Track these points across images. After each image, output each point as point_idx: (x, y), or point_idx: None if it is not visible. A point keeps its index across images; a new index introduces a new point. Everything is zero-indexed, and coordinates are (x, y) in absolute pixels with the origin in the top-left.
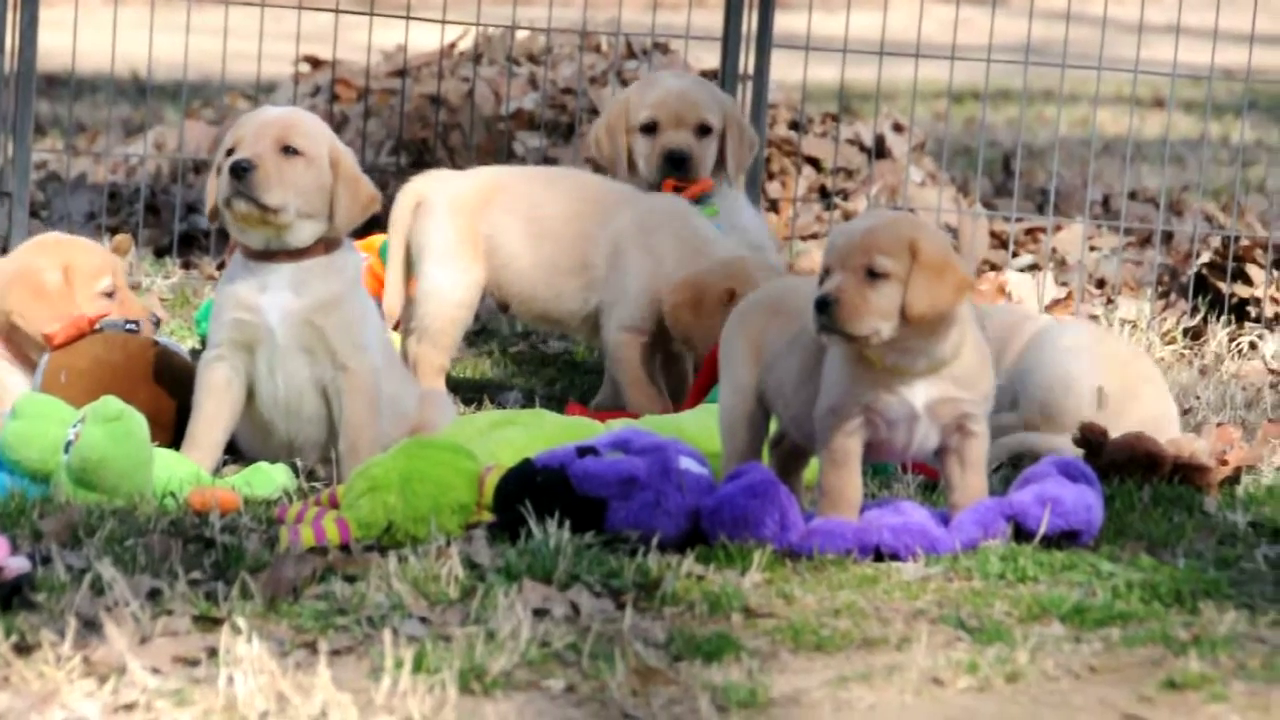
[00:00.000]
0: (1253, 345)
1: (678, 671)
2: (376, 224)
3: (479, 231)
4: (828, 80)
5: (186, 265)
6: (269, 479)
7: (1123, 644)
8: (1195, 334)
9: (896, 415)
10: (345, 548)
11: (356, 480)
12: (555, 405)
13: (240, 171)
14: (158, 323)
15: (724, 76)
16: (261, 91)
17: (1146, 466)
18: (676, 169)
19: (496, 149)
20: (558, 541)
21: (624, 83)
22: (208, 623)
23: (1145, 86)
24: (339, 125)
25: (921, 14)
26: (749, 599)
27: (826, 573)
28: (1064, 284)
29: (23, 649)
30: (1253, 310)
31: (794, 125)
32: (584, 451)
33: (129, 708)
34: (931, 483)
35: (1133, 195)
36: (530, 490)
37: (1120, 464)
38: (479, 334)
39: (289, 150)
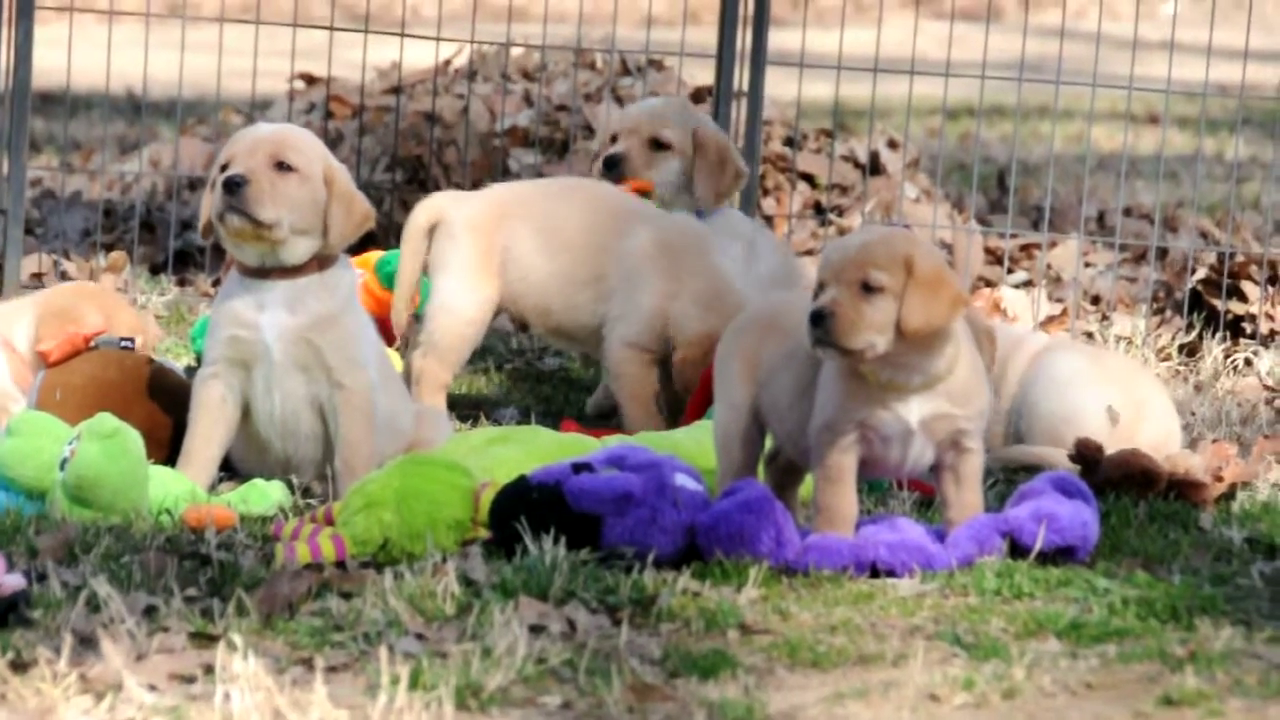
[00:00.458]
0: (1248, 361)
1: (674, 688)
2: (372, 241)
3: (495, 247)
4: (822, 97)
5: (182, 282)
6: (264, 496)
7: (1119, 660)
8: (1190, 350)
9: (891, 432)
10: (341, 564)
11: (352, 497)
12: (551, 422)
13: (233, 186)
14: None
15: (718, 93)
16: (256, 108)
17: (1142, 483)
18: (608, 170)
19: (491, 166)
20: (553, 558)
21: (618, 99)
22: (204, 640)
23: (1140, 103)
24: (334, 142)
25: (916, 30)
26: (745, 615)
27: (822, 589)
28: (1059, 300)
29: (19, 666)
30: (1248, 326)
31: (788, 142)
32: (579, 468)
33: None
34: (927, 499)
35: (1127, 211)
36: (526, 507)
37: (1116, 480)
38: (475, 351)
39: (283, 166)
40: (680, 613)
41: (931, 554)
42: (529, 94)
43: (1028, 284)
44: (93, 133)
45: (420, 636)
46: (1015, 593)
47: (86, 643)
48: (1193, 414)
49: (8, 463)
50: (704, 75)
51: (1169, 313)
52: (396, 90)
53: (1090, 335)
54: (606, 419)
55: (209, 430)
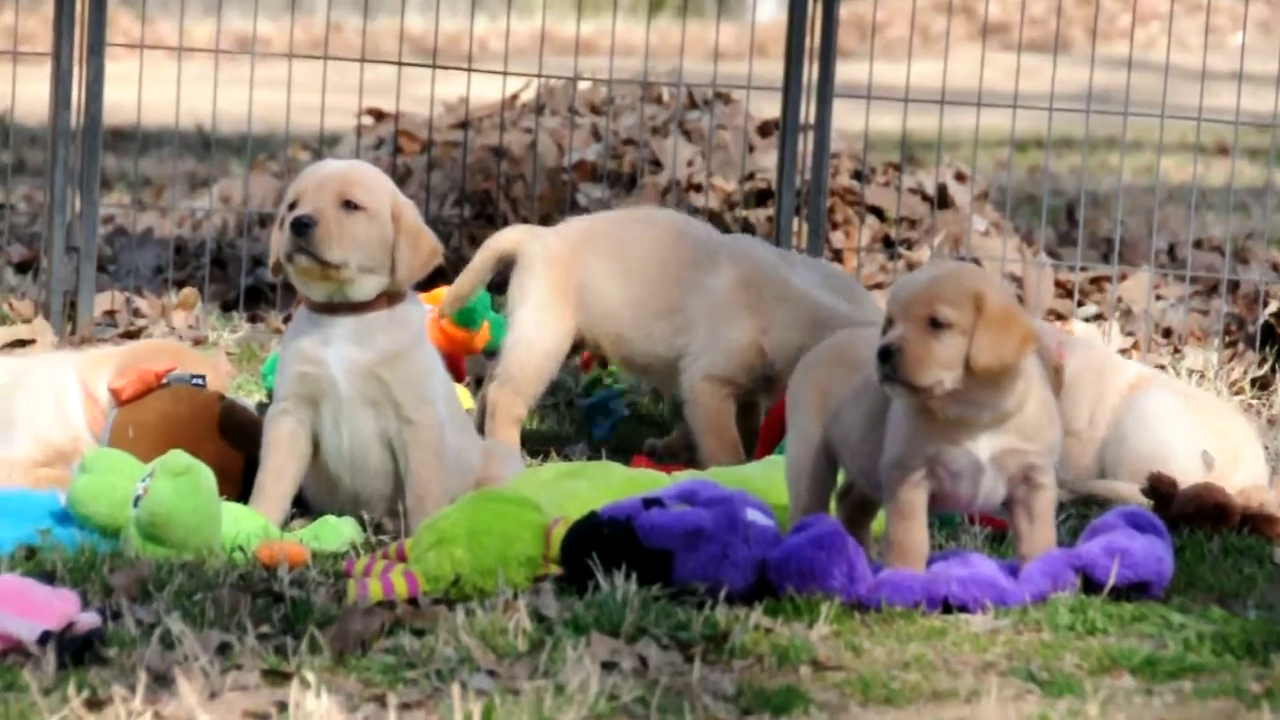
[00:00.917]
0: None
1: None
2: (441, 277)
3: (571, 280)
4: (890, 129)
5: (253, 319)
6: (336, 532)
7: (1194, 696)
8: (1263, 384)
9: (961, 467)
10: (413, 601)
11: (424, 533)
12: (622, 457)
13: (301, 228)
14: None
15: (785, 126)
16: (325, 144)
17: (1215, 517)
18: None
19: (559, 200)
20: (625, 594)
21: (686, 133)
22: (277, 677)
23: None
24: (402, 177)
25: (983, 62)
26: (817, 651)
27: (895, 625)
28: (1130, 333)
29: (94, 704)
30: None
31: (857, 175)
32: (650, 503)
33: None
34: (999, 534)
35: (1198, 243)
36: (597, 542)
37: (1189, 515)
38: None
39: (350, 205)
40: (752, 649)
41: (1004, 589)
42: (596, 128)
43: (1098, 317)
44: (163, 169)
45: (492, 673)
46: (1089, 628)
47: (161, 680)
48: (1266, 448)
49: (82, 500)
50: (771, 108)
51: (1241, 346)
52: (464, 125)
53: (1162, 368)
54: (675, 457)
55: (281, 466)
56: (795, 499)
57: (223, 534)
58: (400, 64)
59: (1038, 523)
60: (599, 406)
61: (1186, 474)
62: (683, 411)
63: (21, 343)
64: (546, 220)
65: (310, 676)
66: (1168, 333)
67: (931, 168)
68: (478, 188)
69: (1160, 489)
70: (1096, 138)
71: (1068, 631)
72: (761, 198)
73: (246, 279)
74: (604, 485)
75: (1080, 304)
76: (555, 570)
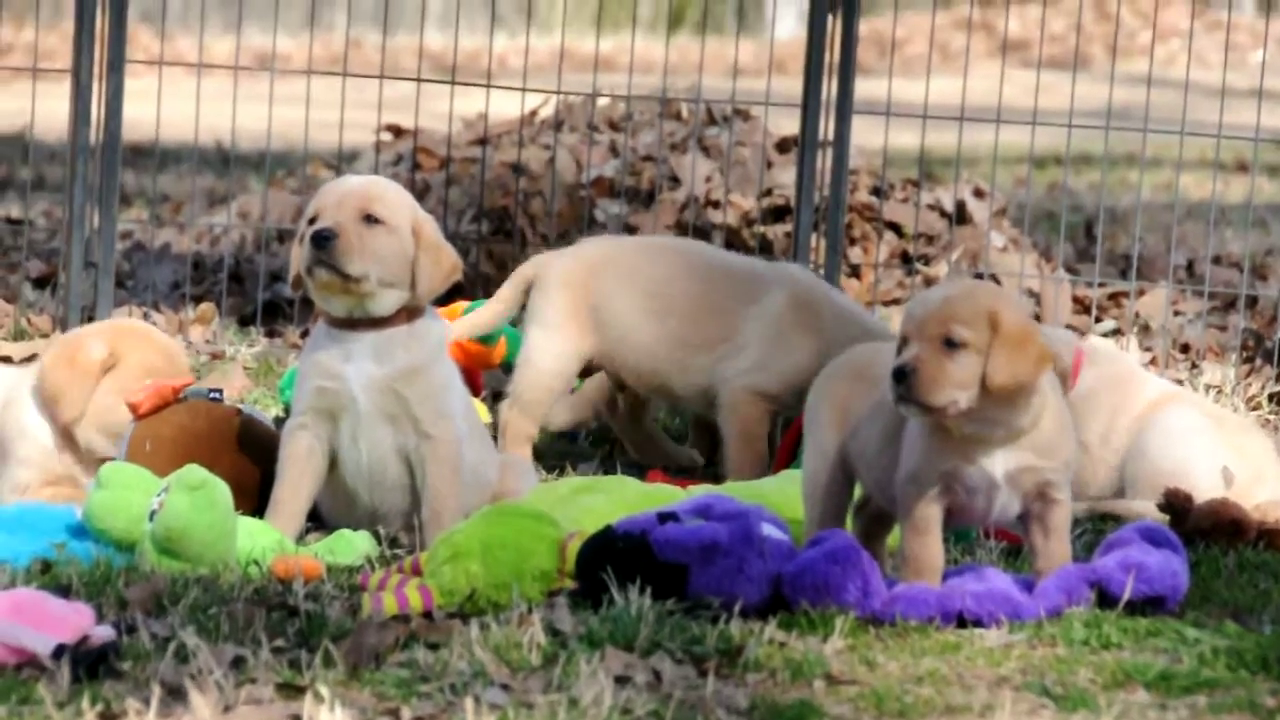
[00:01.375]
0: None
1: None
2: (459, 292)
3: (585, 303)
4: (908, 145)
5: (270, 334)
6: (351, 546)
7: (1209, 711)
8: None
9: (976, 484)
10: (428, 615)
11: (439, 547)
12: (637, 472)
13: (322, 241)
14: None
15: (804, 142)
16: (344, 160)
17: (1231, 532)
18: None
19: (577, 216)
20: (639, 608)
21: (705, 149)
22: (291, 690)
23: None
24: (421, 193)
25: (1002, 79)
26: (831, 666)
27: (909, 639)
28: (1148, 349)
29: (108, 718)
30: None
31: (875, 191)
32: (665, 518)
33: None
34: (1015, 548)
35: (1216, 260)
36: (612, 557)
37: (1205, 529)
38: None
39: (370, 219)
40: (766, 663)
41: (1019, 604)
42: (615, 144)
43: (1116, 332)
44: (182, 185)
45: (506, 687)
46: (1104, 643)
47: (175, 694)
48: None
49: (97, 514)
50: (790, 125)
51: (1259, 361)
52: (483, 141)
53: (1180, 384)
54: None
55: (297, 481)
56: (811, 513)
57: (238, 548)
58: (419, 80)
59: (1053, 538)
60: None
61: (1207, 491)
62: (717, 417)
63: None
64: (565, 236)
65: (324, 690)
66: (1185, 348)
67: (950, 184)
68: (496, 204)
69: (1176, 504)
70: (1116, 154)
71: (1082, 646)
72: (780, 214)
73: (264, 294)
74: (619, 499)
75: (1098, 319)
76: (570, 584)
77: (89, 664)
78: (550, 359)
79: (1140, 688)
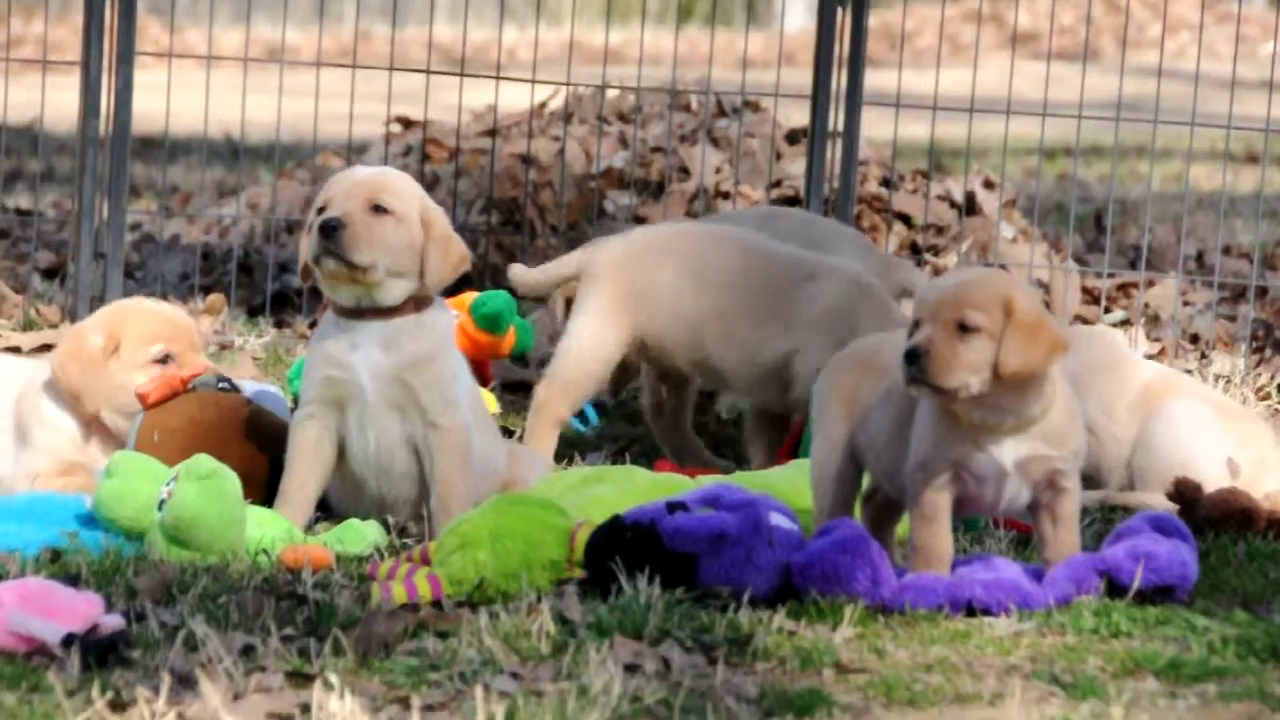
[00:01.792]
0: None
1: None
2: (468, 282)
3: (633, 286)
4: (918, 137)
5: (279, 324)
6: (360, 536)
7: (1218, 700)
8: None
9: (985, 472)
10: (437, 604)
11: (448, 537)
12: (646, 462)
13: (329, 230)
14: (229, 385)
15: (814, 134)
16: (353, 152)
17: (1241, 521)
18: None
19: (587, 208)
20: (648, 597)
21: (714, 141)
22: (300, 679)
23: (1238, 142)
24: (430, 185)
25: (1012, 70)
26: (840, 654)
27: (918, 628)
28: (1157, 340)
29: (118, 705)
30: None
31: (885, 182)
32: (674, 507)
33: None
34: (1024, 538)
35: (1226, 250)
36: (621, 546)
37: (1214, 519)
38: None
39: (379, 209)
40: (775, 652)
41: (1028, 593)
42: (624, 136)
43: (1125, 323)
44: (191, 177)
45: (516, 675)
46: (1113, 632)
47: (185, 682)
48: None
49: (106, 504)
50: (799, 116)
51: (1268, 352)
52: (492, 133)
53: (1189, 374)
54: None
55: (306, 470)
56: (820, 502)
57: (247, 537)
58: (429, 72)
59: (1062, 527)
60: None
61: (1214, 482)
62: (793, 399)
63: (48, 347)
64: (574, 227)
65: (333, 678)
66: (1195, 339)
67: (960, 175)
68: (505, 195)
69: (1185, 494)
70: (1126, 145)
71: (1091, 635)
72: (789, 205)
73: (273, 285)
74: (628, 489)
75: (1108, 310)
76: (579, 574)
77: (98, 652)
78: (593, 343)
79: (1150, 676)
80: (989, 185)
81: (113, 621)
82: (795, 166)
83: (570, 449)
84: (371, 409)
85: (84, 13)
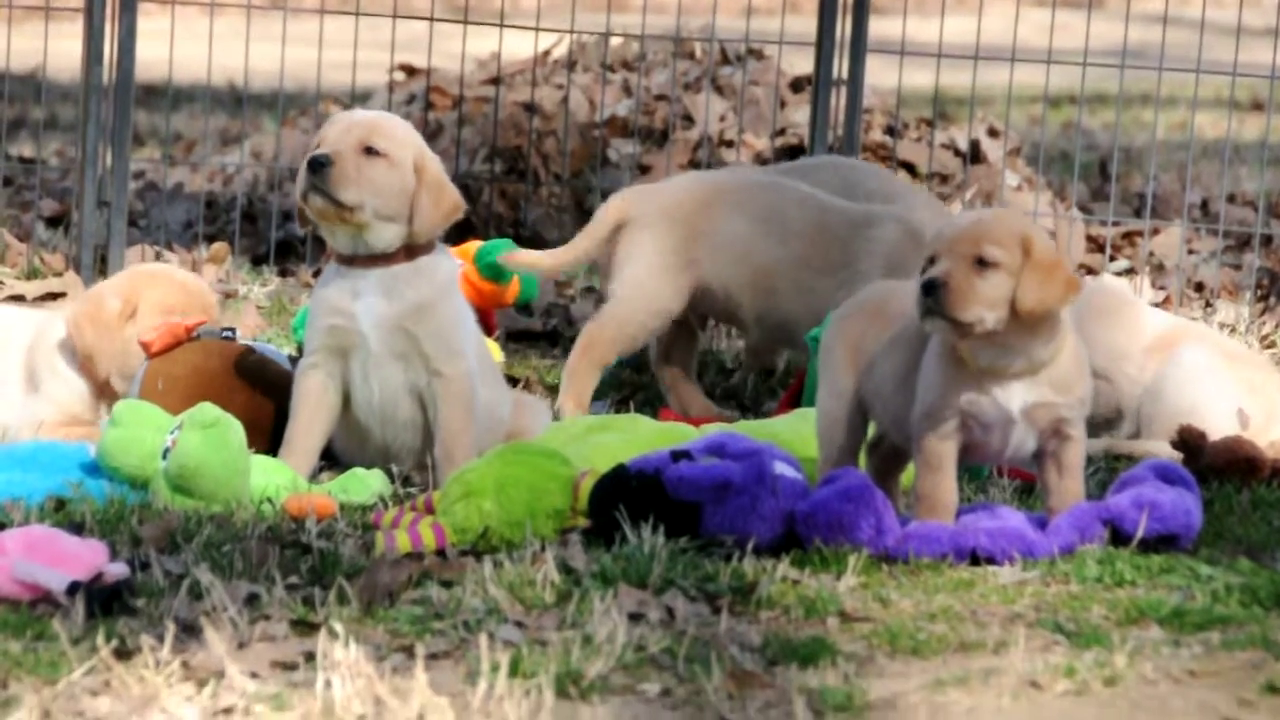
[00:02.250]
0: None
1: (773, 675)
2: (471, 231)
3: (694, 234)
4: (922, 85)
5: (283, 273)
6: (365, 485)
7: (1222, 648)
8: None
9: (992, 419)
10: (441, 553)
11: (452, 486)
12: (650, 411)
13: (317, 166)
14: (232, 334)
15: (818, 82)
16: (357, 100)
17: (1245, 470)
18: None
19: (591, 156)
20: (653, 546)
21: (718, 89)
22: (305, 627)
23: (1243, 89)
24: (434, 133)
25: (1017, 18)
26: (844, 603)
27: (922, 577)
28: (1161, 288)
29: (123, 654)
30: None
31: (889, 130)
32: (678, 456)
33: (227, 712)
34: (1028, 487)
35: (1231, 198)
36: (625, 495)
37: (1219, 468)
38: (574, 340)
39: (371, 151)
40: (780, 600)
41: (1032, 541)
42: (628, 84)
43: (1130, 271)
44: (195, 125)
45: (520, 624)
46: (1117, 580)
47: (189, 630)
48: None
49: (111, 452)
50: (804, 64)
51: (1273, 300)
52: (496, 81)
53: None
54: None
55: (310, 419)
56: (825, 451)
57: (251, 486)
58: (432, 20)
59: (1067, 475)
60: None
61: (1222, 432)
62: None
63: (52, 296)
64: (578, 175)
65: (338, 627)
66: (1200, 287)
67: (964, 123)
68: (509, 144)
69: (1190, 442)
70: (1130, 93)
71: (1095, 583)
72: (793, 153)
73: (277, 233)
74: (632, 438)
75: (1112, 258)
76: (583, 522)
77: (103, 601)
78: (653, 297)
79: (1153, 624)
80: (993, 133)
81: (117, 570)
82: (799, 115)
83: None
84: (374, 357)
85: None
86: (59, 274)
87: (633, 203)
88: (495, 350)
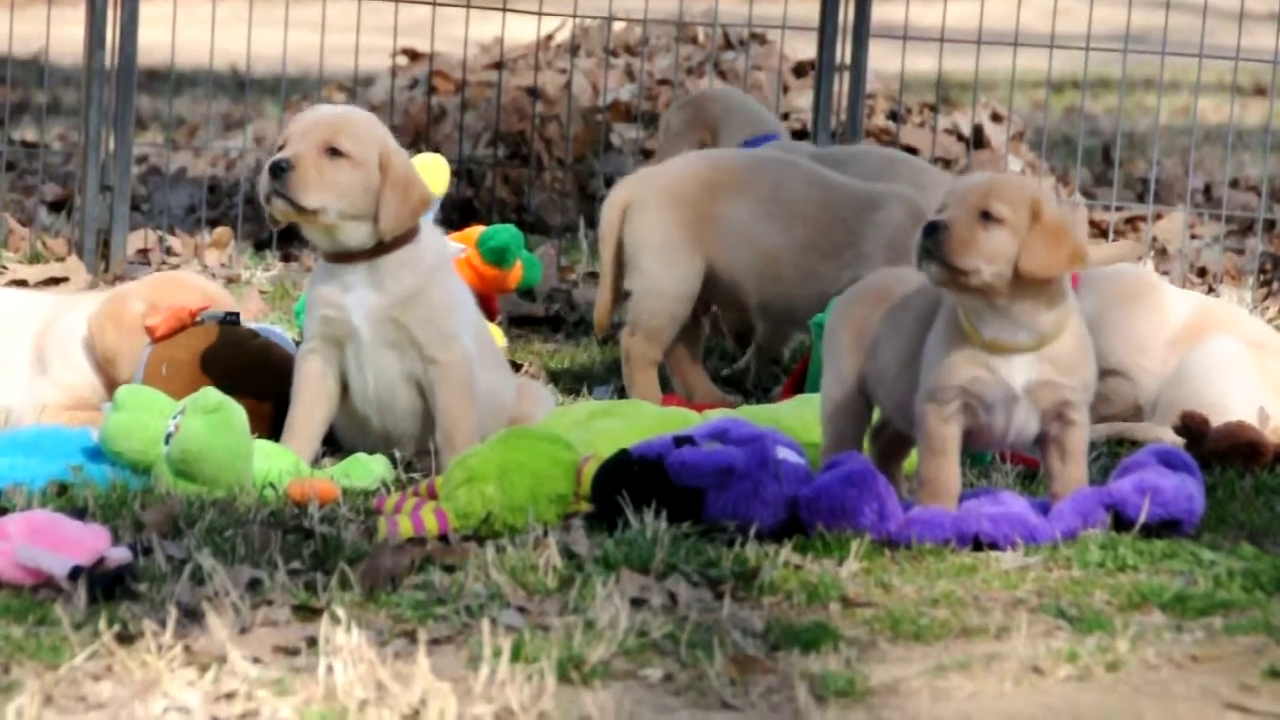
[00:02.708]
0: None
1: (776, 661)
2: (475, 215)
3: (702, 216)
4: (925, 70)
5: (286, 258)
6: (367, 470)
7: (1224, 633)
8: None
9: (995, 398)
10: (443, 538)
11: (454, 471)
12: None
13: (278, 171)
14: (236, 319)
15: (821, 67)
16: (360, 85)
17: (1248, 455)
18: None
19: (594, 141)
20: (655, 531)
21: (721, 74)
22: (307, 612)
23: (1246, 74)
24: (436, 118)
25: (1020, 2)
26: (847, 588)
27: (925, 562)
28: (1165, 273)
29: (125, 638)
30: None
31: (892, 115)
32: (681, 441)
33: (230, 697)
34: (1031, 473)
35: (1234, 183)
36: (627, 480)
37: (1221, 453)
38: (577, 325)
39: (334, 152)
40: (782, 585)
41: (1034, 527)
42: (631, 68)
43: None
44: (197, 110)
45: (522, 609)
46: (1119, 565)
47: (191, 615)
48: None
49: (114, 437)
50: (806, 49)
51: (1276, 285)
52: (499, 65)
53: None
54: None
55: (310, 404)
56: (829, 436)
57: (254, 471)
58: (435, 4)
59: (1069, 461)
60: None
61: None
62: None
63: (55, 280)
64: (581, 160)
65: (340, 612)
66: (1203, 272)
67: (967, 108)
68: (512, 128)
69: (1193, 427)
70: (1133, 78)
71: (1098, 568)
72: (796, 138)
73: None
74: (635, 423)
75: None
76: (586, 508)
77: (105, 585)
78: (673, 284)
79: (1156, 609)
80: (996, 118)
81: (119, 554)
82: (802, 100)
83: (578, 383)
84: (367, 348)
85: None
86: (61, 259)
87: (633, 189)
88: (498, 335)
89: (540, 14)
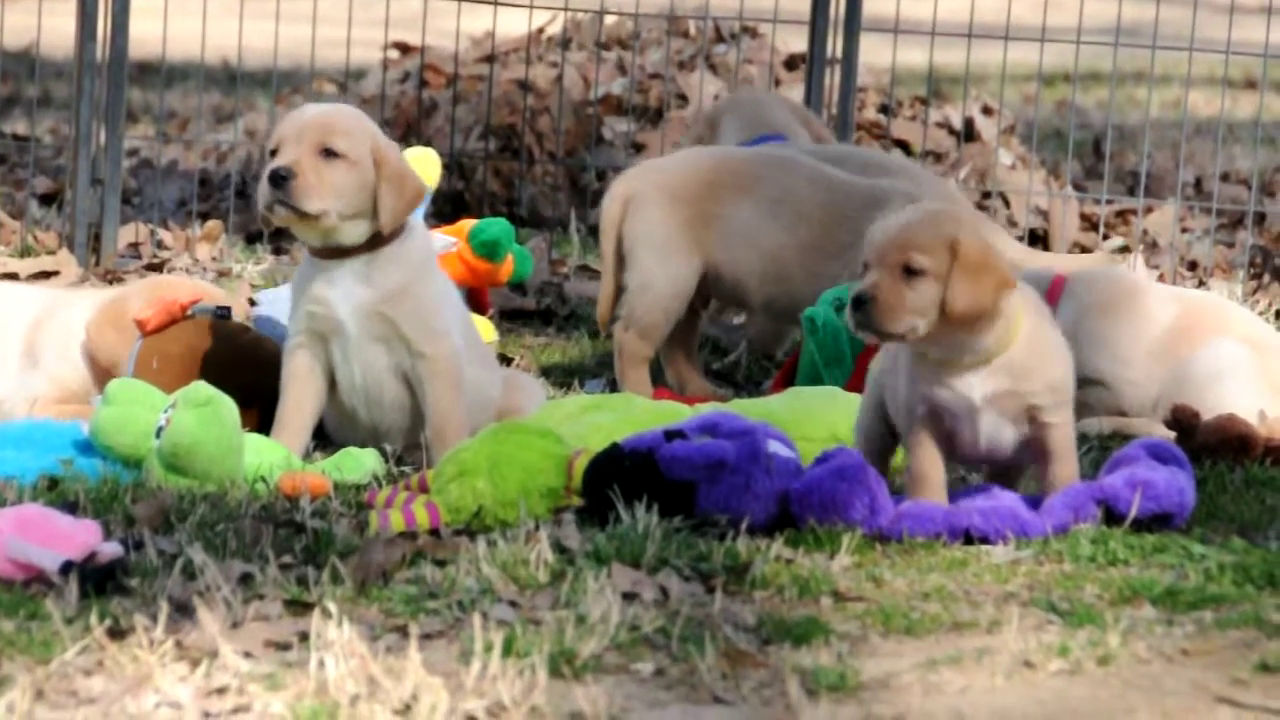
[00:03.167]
0: None
1: (767, 655)
2: (466, 209)
3: (703, 215)
4: (917, 63)
5: (277, 251)
6: (358, 464)
7: (1215, 627)
8: None
9: (957, 409)
10: (435, 532)
11: (445, 465)
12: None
13: (279, 180)
14: (227, 314)
15: (812, 60)
16: (351, 78)
17: (1238, 449)
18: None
19: (585, 134)
20: (646, 525)
21: (712, 68)
22: (299, 607)
23: (1237, 67)
24: (428, 111)
25: None
26: (838, 582)
27: (916, 556)
28: (1155, 266)
29: (116, 633)
30: None
31: (883, 109)
32: (672, 435)
33: (221, 691)
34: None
35: (1225, 177)
36: (619, 474)
37: (1212, 446)
38: (568, 319)
39: (329, 153)
40: (773, 580)
41: (1026, 521)
42: (623, 62)
43: (1124, 250)
44: (188, 102)
45: (514, 604)
46: (1110, 559)
47: (182, 610)
48: None
49: (105, 431)
50: (798, 42)
51: (1266, 278)
52: (490, 59)
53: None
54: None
55: (300, 398)
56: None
57: (245, 465)
58: None
59: (1055, 461)
60: None
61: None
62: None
63: (46, 274)
64: (572, 154)
65: (332, 607)
66: (1193, 265)
67: (958, 102)
68: (503, 122)
69: (1183, 420)
70: (1124, 71)
71: (1089, 562)
72: None
73: None
74: (626, 417)
75: (1106, 237)
76: (577, 502)
77: (96, 580)
78: (668, 281)
79: (1146, 603)
80: (987, 112)
81: (111, 549)
82: (794, 93)
83: (569, 376)
84: (354, 342)
85: None
86: (52, 252)
87: (634, 183)
88: (489, 329)
89: (531, 7)
